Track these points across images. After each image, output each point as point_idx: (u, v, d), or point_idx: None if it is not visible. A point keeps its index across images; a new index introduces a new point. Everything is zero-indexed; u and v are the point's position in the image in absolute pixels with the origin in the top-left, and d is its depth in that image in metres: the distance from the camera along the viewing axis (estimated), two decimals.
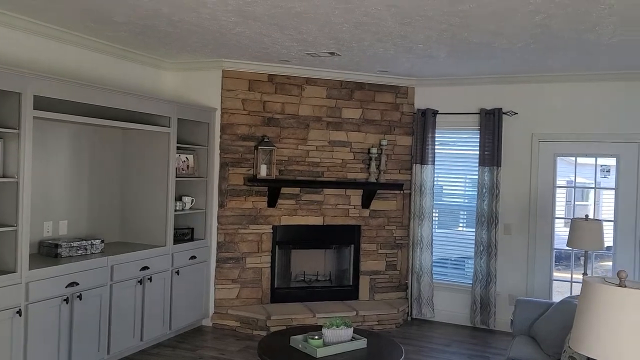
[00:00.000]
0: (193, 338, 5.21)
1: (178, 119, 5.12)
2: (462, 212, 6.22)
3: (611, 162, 5.54)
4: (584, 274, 4.69)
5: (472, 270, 5.94)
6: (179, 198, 5.33)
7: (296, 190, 5.86)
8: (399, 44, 4.55)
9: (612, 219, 5.45)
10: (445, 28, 4.01)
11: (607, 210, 5.70)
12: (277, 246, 5.89)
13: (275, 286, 5.89)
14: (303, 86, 5.86)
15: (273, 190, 5.69)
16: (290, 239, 5.93)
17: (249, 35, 4.45)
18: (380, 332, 5.12)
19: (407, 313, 6.14)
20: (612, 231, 5.43)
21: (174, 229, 5.16)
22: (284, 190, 5.79)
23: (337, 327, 3.75)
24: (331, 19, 3.90)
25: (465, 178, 6.17)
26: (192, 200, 5.45)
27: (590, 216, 5.17)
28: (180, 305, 5.19)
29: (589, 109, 5.51)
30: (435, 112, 6.06)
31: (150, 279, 4.75)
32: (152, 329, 4.83)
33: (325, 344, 3.69)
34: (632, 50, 4.47)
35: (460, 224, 6.26)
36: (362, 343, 3.79)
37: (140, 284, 4.65)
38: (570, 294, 5.70)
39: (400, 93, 6.20)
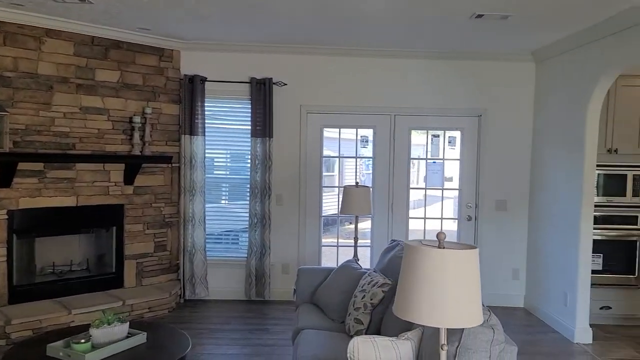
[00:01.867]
0: None
1: None
2: (235, 185, 6.00)
3: (369, 133, 5.97)
4: (355, 238, 4.95)
5: (247, 244, 5.81)
6: None
7: (39, 166, 4.84)
8: None
9: (371, 186, 5.90)
10: None
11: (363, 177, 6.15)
12: (14, 235, 4.80)
13: (15, 283, 4.81)
14: (43, 39, 4.82)
15: (6, 166, 4.58)
16: (33, 226, 4.89)
17: None
18: (160, 322, 4.59)
19: (180, 295, 5.70)
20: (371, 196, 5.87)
21: None
22: (22, 166, 4.72)
23: (109, 324, 3.16)
24: None
25: (237, 150, 5.95)
26: None
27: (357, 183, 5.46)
28: None
29: (353, 83, 5.80)
30: (203, 79, 5.65)
31: None
32: None
33: (94, 347, 3.06)
34: (393, 29, 4.79)
35: (234, 197, 6.04)
36: (141, 338, 3.27)
37: None
38: (337, 258, 6.02)
39: (165, 56, 5.60)
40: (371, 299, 3.47)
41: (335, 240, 6.13)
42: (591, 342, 4.81)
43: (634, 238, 5.30)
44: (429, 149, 6.00)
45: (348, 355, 2.37)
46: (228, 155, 6.02)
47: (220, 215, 5.99)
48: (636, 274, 5.29)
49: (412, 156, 5.97)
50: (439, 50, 5.70)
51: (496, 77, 5.82)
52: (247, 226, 5.84)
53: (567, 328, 4.97)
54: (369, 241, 6.08)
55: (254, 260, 5.77)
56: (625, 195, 5.34)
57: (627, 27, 4.25)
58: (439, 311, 1.76)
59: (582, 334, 4.83)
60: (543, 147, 5.58)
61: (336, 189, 6.25)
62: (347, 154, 6.19)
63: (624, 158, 5.30)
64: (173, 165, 5.69)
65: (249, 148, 5.74)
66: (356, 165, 6.16)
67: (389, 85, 5.83)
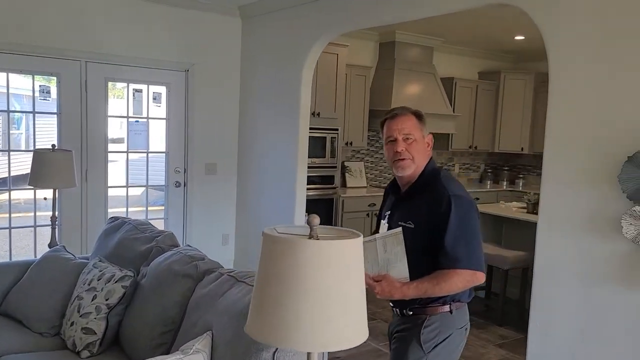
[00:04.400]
0: None
1: None
2: None
3: (51, 82, 4.70)
4: (54, 217, 3.81)
5: None
6: None
7: None
8: None
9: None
10: None
11: (43, 139, 4.87)
12: None
13: None
14: None
15: None
16: None
17: None
18: None
19: None
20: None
21: None
22: None
23: None
24: None
25: None
26: None
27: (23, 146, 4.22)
28: None
29: (18, 11, 4.40)
30: None
31: None
32: None
33: None
34: None
35: None
36: None
37: None
38: (10, 246, 4.64)
39: None
40: (107, 299, 2.64)
41: (7, 222, 4.69)
42: None
43: (332, 196, 5.72)
44: (131, 105, 5.12)
45: None
46: None
47: None
48: None
49: (110, 113, 4.98)
50: None
51: (204, 29, 5.31)
52: None
53: None
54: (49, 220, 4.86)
55: None
56: (325, 157, 5.68)
57: None
58: (319, 330, 1.26)
59: None
60: (253, 109, 5.42)
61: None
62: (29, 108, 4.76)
63: (324, 122, 5.60)
64: None
65: None
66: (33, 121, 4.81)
67: (76, 23, 4.67)
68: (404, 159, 2.05)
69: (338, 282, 1.25)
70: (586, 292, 2.83)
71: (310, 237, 1.29)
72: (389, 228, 2.09)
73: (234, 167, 5.67)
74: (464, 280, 1.93)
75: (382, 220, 2.21)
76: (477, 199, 6.91)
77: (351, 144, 6.08)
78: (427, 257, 1.96)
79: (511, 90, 7.24)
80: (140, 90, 5.15)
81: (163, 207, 5.43)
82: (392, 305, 2.14)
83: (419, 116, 2.13)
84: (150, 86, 5.19)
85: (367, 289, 1.49)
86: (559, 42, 2.96)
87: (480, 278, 1.96)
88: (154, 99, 5.21)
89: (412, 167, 2.06)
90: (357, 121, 6.07)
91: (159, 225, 5.24)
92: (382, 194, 2.41)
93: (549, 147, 2.97)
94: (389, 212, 2.17)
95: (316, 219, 1.30)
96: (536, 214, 4.95)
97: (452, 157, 7.49)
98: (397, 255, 1.95)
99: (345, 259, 1.26)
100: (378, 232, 2.17)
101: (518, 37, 6.30)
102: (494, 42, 6.67)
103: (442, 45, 6.80)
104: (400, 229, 1.98)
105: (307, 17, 4.70)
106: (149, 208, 5.41)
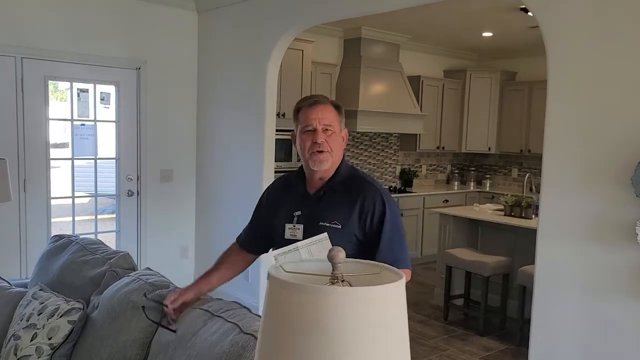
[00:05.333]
0: None
1: None
2: None
3: None
4: None
5: None
6: None
7: None
8: None
9: None
10: None
11: None
12: None
13: None
14: None
15: None
16: None
17: None
18: None
19: None
20: None
21: None
22: None
23: None
24: None
25: None
26: None
27: None
28: None
29: None
30: None
31: None
32: None
33: None
34: None
35: None
36: None
37: None
38: None
39: None
40: (49, 338, 2.19)
41: None
42: None
43: None
44: (76, 107, 4.60)
45: None
46: None
47: None
48: None
49: (52, 116, 4.45)
50: None
51: (157, 23, 4.85)
52: None
53: (251, 305, 4.63)
54: None
55: None
56: (291, 160, 5.32)
57: None
58: None
59: None
60: (213, 110, 5.00)
61: None
62: None
63: (291, 123, 5.24)
64: None
65: None
66: None
67: (7, 14, 4.13)
68: (323, 152, 1.84)
69: (378, 344, 0.90)
70: (593, 305, 2.59)
71: (334, 280, 0.94)
72: (305, 230, 1.84)
73: (192, 174, 5.22)
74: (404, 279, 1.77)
75: (287, 224, 1.91)
76: (447, 200, 6.72)
77: None
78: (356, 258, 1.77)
79: (477, 89, 7.09)
80: (86, 90, 4.64)
81: (114, 215, 4.93)
82: None
83: (338, 107, 1.93)
84: (97, 85, 4.68)
85: None
86: (558, 33, 2.71)
87: (410, 276, 1.83)
88: (102, 99, 4.71)
89: (330, 162, 1.87)
90: None
91: (110, 239, 4.74)
92: None
93: (549, 147, 2.73)
94: (299, 212, 1.90)
95: (341, 254, 0.95)
96: (514, 216, 4.80)
97: (419, 158, 7.27)
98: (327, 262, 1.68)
99: (388, 312, 0.91)
100: (284, 235, 1.90)
101: (486, 34, 6.14)
102: (460, 38, 6.49)
103: (408, 42, 6.57)
104: (325, 234, 1.75)
105: (271, 10, 4.33)
106: (99, 216, 4.90)
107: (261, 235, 2.10)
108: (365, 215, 1.81)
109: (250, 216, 2.21)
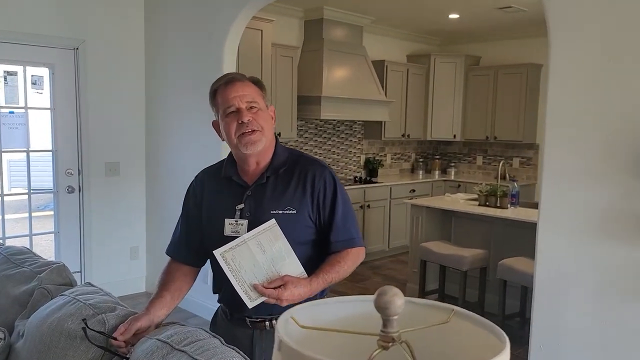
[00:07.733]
0: None
1: None
2: None
3: None
4: None
5: None
6: None
7: None
8: None
9: None
10: None
11: None
12: None
13: None
14: None
15: None
16: None
17: None
18: None
19: None
20: None
21: None
22: None
23: None
24: None
25: None
26: None
27: None
28: None
29: None
30: None
31: None
32: None
33: None
34: None
35: None
36: None
37: None
38: None
39: None
40: None
41: None
42: None
43: None
44: (2, 92, 4.01)
45: None
46: None
47: None
48: None
49: None
50: None
51: None
52: None
53: (210, 309, 4.20)
54: None
55: None
56: None
57: None
58: None
59: None
60: (164, 96, 4.50)
61: None
62: None
63: None
64: None
65: None
66: None
67: None
68: (253, 131, 1.63)
69: None
70: (601, 308, 2.33)
71: (387, 341, 0.56)
72: (253, 221, 1.64)
73: (141, 166, 4.72)
74: (359, 258, 1.74)
75: (228, 219, 1.69)
76: (413, 190, 6.46)
77: (279, 134, 5.33)
78: (314, 243, 1.70)
79: (442, 74, 6.84)
80: (14, 73, 4.05)
81: (52, 213, 4.38)
82: (268, 317, 1.69)
83: (258, 83, 1.73)
84: (27, 67, 4.10)
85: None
86: (564, 10, 2.41)
87: (364, 254, 1.76)
88: (34, 83, 4.13)
89: (264, 141, 1.66)
90: (285, 109, 5.32)
91: (48, 243, 4.20)
92: None
93: (550, 135, 2.44)
94: (242, 205, 1.69)
95: (398, 299, 0.57)
96: (489, 206, 4.56)
97: (383, 147, 6.97)
98: (281, 250, 1.59)
99: None
100: (224, 232, 1.68)
101: (452, 16, 5.87)
102: (427, 20, 6.19)
103: (372, 25, 6.22)
104: (273, 220, 1.59)
105: None
106: (34, 214, 4.33)
107: (196, 244, 1.79)
108: (317, 194, 1.68)
109: (176, 226, 1.85)
